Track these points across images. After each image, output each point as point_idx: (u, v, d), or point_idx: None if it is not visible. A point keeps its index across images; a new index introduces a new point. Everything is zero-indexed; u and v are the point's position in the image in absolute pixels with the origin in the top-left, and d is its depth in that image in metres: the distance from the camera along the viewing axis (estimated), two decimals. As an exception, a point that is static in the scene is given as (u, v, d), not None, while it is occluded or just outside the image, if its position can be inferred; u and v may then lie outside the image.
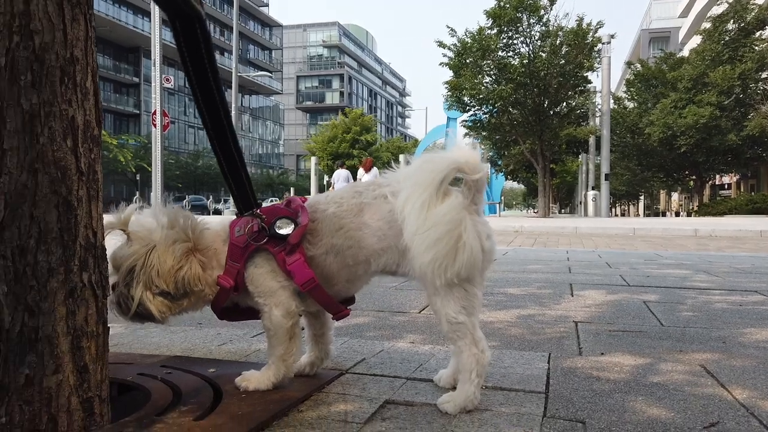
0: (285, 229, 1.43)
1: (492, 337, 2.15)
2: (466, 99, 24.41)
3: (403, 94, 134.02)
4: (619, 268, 4.66)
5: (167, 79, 17.03)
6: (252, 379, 1.43)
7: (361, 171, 18.09)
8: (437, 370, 1.63)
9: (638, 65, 33.10)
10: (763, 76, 25.61)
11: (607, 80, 24.22)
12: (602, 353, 1.90)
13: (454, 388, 1.40)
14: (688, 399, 1.45)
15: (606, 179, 24.14)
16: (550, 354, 1.87)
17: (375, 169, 16.96)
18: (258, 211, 1.48)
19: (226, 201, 40.06)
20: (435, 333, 2.23)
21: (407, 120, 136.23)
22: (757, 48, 25.74)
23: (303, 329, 1.64)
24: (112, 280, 1.38)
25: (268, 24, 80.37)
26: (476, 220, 1.33)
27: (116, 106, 53.60)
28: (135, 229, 1.40)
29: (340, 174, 17.32)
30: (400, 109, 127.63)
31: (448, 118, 37.37)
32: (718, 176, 40.08)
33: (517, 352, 1.90)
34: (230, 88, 24.79)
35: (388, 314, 2.62)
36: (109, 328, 1.29)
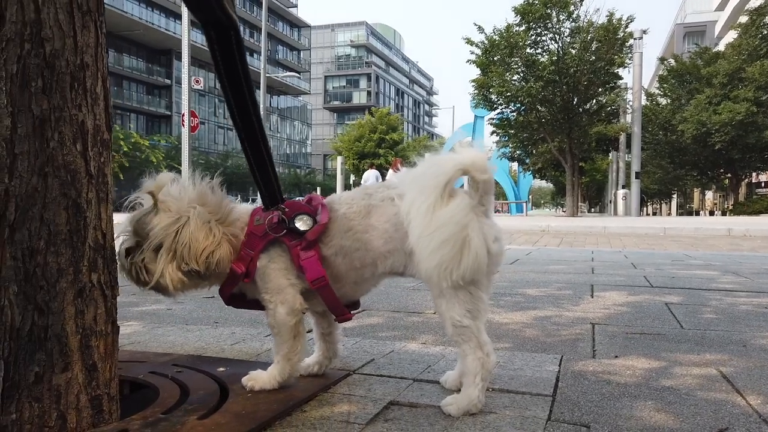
0: (303, 225, 1.44)
1: (505, 339, 2.14)
2: (493, 97, 24.22)
3: (430, 92, 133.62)
4: (644, 268, 4.57)
5: (197, 81, 17.32)
6: (258, 379, 1.45)
7: (390, 172, 18.09)
8: (445, 371, 1.63)
9: (671, 61, 32.35)
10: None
11: (639, 76, 23.74)
12: (616, 356, 1.87)
13: (459, 390, 1.40)
14: (700, 404, 1.41)
15: (637, 177, 23.67)
16: (562, 356, 1.84)
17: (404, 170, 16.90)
18: (281, 205, 1.49)
19: (253, 200, 40.50)
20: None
21: (434, 119, 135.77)
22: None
23: (310, 330, 1.66)
24: (127, 242, 1.39)
25: (297, 25, 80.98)
26: (483, 222, 1.31)
27: (148, 107, 54.67)
28: (165, 198, 1.39)
29: (370, 174, 17.47)
30: (427, 107, 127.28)
31: (476, 117, 37.12)
32: (754, 174, 38.95)
33: (528, 354, 1.88)
34: (259, 88, 25.09)
35: (402, 315, 2.63)
36: (118, 327, 1.33)
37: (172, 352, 1.86)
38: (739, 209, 27.82)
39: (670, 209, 64.56)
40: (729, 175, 34.09)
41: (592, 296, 3.15)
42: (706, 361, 1.82)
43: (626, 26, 22.24)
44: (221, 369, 1.60)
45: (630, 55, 22.47)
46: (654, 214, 63.58)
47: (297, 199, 1.59)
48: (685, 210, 58.13)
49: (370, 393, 1.46)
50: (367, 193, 1.47)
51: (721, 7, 53.91)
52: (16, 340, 1.15)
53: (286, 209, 1.47)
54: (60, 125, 1.18)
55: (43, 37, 1.15)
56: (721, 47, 36.05)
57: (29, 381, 1.15)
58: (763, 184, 43.11)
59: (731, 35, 41.19)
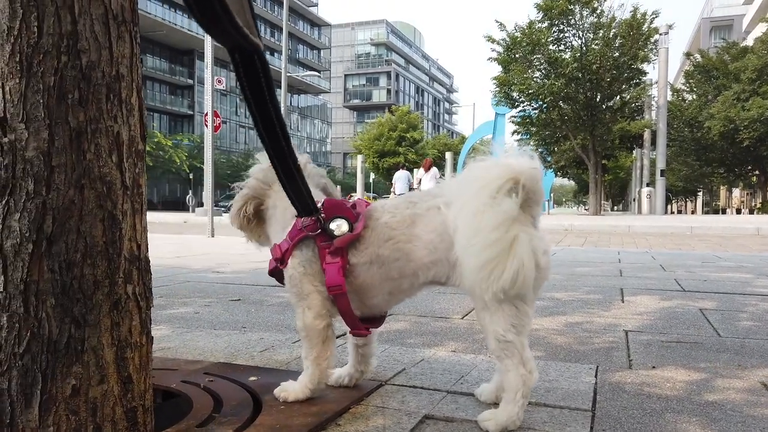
0: (338, 230, 1.42)
1: (537, 346, 2.10)
2: (515, 95, 24.00)
3: (450, 90, 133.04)
4: (674, 271, 4.48)
5: (219, 81, 17.44)
6: (290, 390, 1.44)
7: (420, 171, 18.06)
8: (479, 382, 1.60)
9: (698, 56, 31.73)
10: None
11: (665, 72, 23.33)
12: (653, 366, 1.82)
13: (495, 405, 1.37)
14: (747, 421, 1.36)
15: (662, 175, 23.28)
16: (597, 366, 1.80)
17: (434, 169, 16.90)
18: (321, 204, 1.46)
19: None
20: (477, 341, 2.20)
21: (454, 116, 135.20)
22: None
23: (342, 335, 1.64)
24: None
25: (317, 24, 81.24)
26: (532, 233, 1.25)
27: (171, 107, 55.35)
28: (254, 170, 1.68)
29: (401, 175, 17.60)
30: (447, 105, 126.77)
31: (496, 114, 36.89)
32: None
33: (562, 364, 1.84)
34: (279, 88, 25.21)
35: (429, 320, 2.60)
36: (152, 338, 1.32)
37: (202, 359, 1.86)
38: (767, 207, 27.18)
39: (695, 207, 63.38)
40: (757, 172, 33.34)
41: (622, 301, 3.08)
42: (748, 374, 1.76)
43: (651, 21, 21.86)
44: (253, 378, 1.59)
45: (655, 50, 22.07)
46: (679, 212, 62.48)
47: (345, 199, 1.55)
48: (711, 208, 57.02)
49: (404, 406, 1.43)
50: (411, 201, 1.44)
51: (749, 1, 52.69)
52: (53, 353, 1.15)
53: (323, 215, 1.44)
54: (96, 137, 1.18)
55: (80, 49, 1.15)
56: (749, 42, 35.24)
57: (66, 394, 1.15)
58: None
59: (760, 29, 40.24)
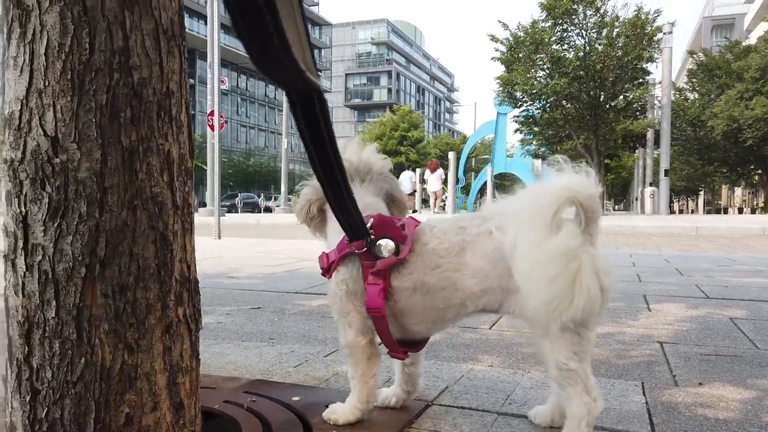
0: (384, 251, 1.37)
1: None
2: (518, 94, 23.93)
3: (451, 89, 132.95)
4: (692, 275, 4.44)
5: (223, 81, 17.39)
6: (339, 413, 1.40)
7: (427, 172, 18.04)
8: (526, 402, 1.57)
9: (701, 55, 31.67)
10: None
11: (669, 72, 23.27)
12: (700, 383, 1.78)
13: (551, 428, 1.33)
14: (811, 445, 1.32)
15: (666, 175, 23.21)
16: (643, 383, 1.76)
17: (440, 170, 16.86)
18: (371, 223, 1.41)
19: (275, 198, 40.69)
20: (511, 354, 2.16)
21: (455, 116, 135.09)
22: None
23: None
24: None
25: (318, 23, 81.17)
26: (593, 253, 1.20)
27: (172, 106, 55.32)
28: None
29: (405, 175, 17.76)
30: (448, 104, 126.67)
31: (498, 114, 36.84)
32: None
33: (606, 380, 1.80)
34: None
35: (458, 330, 2.56)
36: (200, 360, 1.29)
37: (238, 375, 1.82)
38: (771, 207, 27.12)
39: (696, 206, 63.35)
40: (759, 171, 33.28)
41: (648, 309, 3.04)
42: (797, 390, 1.72)
43: (654, 20, 21.80)
44: (296, 398, 1.55)
45: (659, 49, 22.02)
46: (681, 211, 62.42)
47: (397, 218, 1.49)
48: (712, 207, 56.97)
49: (457, 429, 1.39)
50: (461, 227, 1.37)
51: (750, 0, 52.59)
52: (106, 381, 1.11)
53: (373, 233, 1.40)
54: (148, 156, 1.14)
55: (131, 66, 1.11)
56: (751, 41, 35.17)
57: (120, 423, 1.11)
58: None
59: (762, 28, 40.15)
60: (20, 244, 1.09)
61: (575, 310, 1.16)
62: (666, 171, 23.27)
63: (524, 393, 1.66)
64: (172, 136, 1.19)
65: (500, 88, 24.26)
